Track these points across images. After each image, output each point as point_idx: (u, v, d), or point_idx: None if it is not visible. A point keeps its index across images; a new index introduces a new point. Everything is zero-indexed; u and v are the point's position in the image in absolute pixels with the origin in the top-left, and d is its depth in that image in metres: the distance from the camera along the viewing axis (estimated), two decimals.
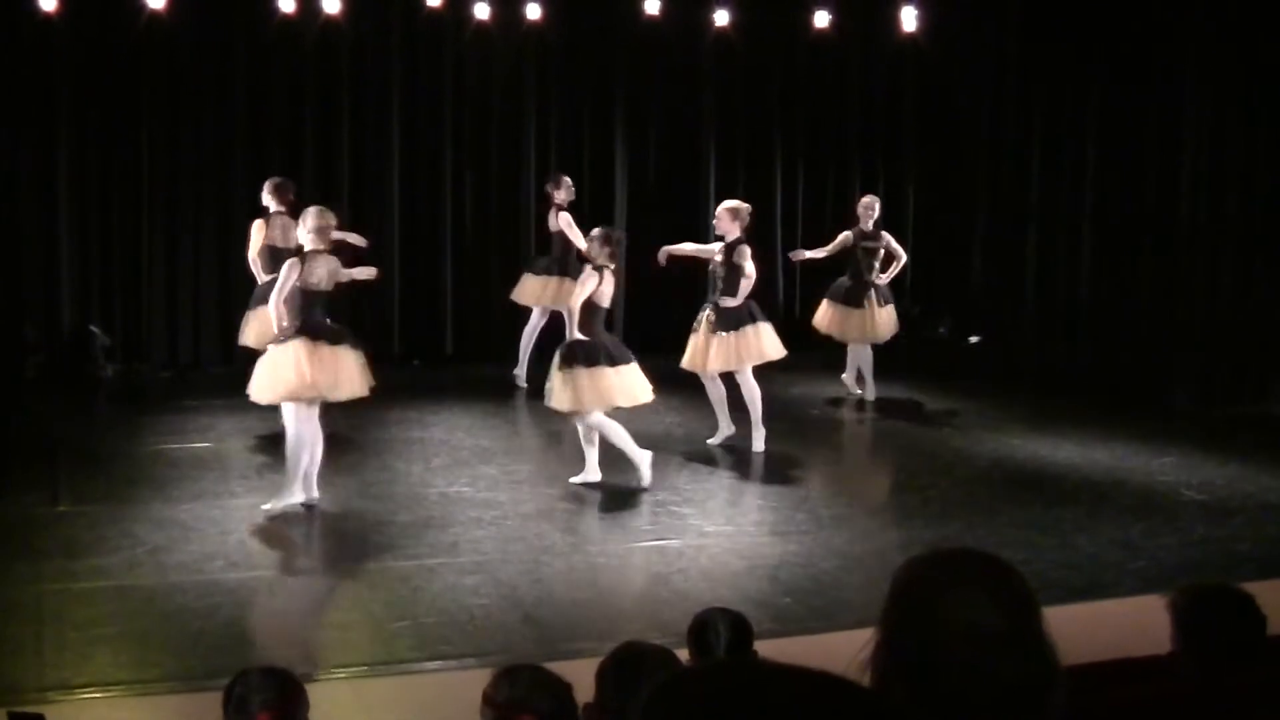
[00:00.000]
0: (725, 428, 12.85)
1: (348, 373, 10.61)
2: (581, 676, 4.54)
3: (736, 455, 12.66)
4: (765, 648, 5.60)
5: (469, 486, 11.57)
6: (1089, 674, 4.60)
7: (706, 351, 12.49)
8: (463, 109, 16.81)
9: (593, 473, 11.51)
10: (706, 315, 12.54)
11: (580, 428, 11.53)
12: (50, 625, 8.42)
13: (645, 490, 11.23)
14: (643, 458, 11.37)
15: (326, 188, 16.33)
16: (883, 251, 14.39)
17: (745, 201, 12.84)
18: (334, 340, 10.56)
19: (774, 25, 17.44)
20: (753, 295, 12.63)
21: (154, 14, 15.18)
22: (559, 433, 13.33)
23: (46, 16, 14.88)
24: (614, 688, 4.22)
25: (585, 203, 17.29)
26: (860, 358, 14.55)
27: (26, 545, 9.85)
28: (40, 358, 15.33)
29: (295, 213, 12.51)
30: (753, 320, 12.59)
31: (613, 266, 11.33)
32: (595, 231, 11.54)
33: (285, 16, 15.59)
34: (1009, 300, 17.12)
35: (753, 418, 12.66)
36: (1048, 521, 10.66)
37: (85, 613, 8.61)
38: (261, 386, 10.62)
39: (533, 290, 15.06)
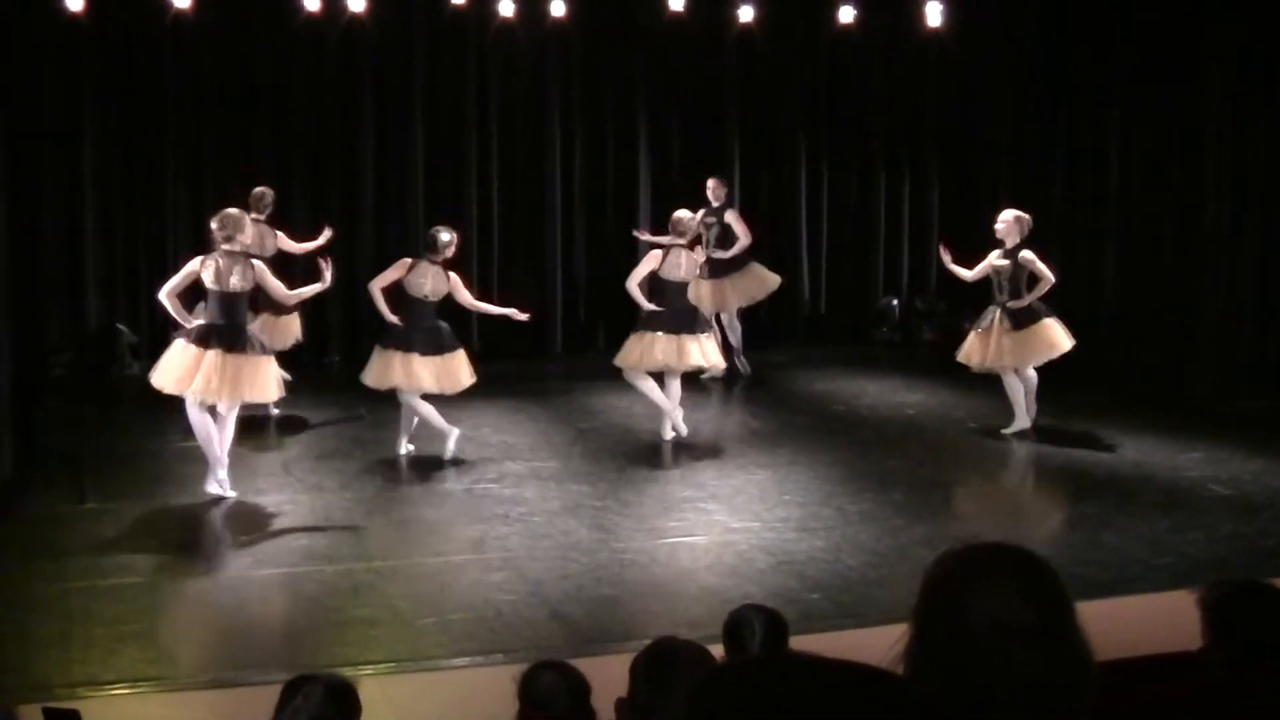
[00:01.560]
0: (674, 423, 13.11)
1: (248, 379, 10.89)
2: (609, 673, 4.54)
3: (761, 451, 12.66)
4: (794, 645, 5.59)
5: (495, 483, 11.60)
6: (1117, 670, 4.58)
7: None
8: (487, 106, 16.83)
9: (447, 439, 12.19)
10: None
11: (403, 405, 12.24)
12: (78, 622, 8.45)
13: (455, 462, 12.01)
14: (450, 432, 12.12)
15: (351, 185, 16.39)
16: (1027, 274, 13.06)
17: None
18: (235, 348, 10.82)
19: (797, 22, 17.43)
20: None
21: (179, 13, 15.22)
22: (585, 430, 13.36)
23: (73, 16, 14.93)
24: (647, 683, 4.21)
25: (609, 200, 17.33)
26: (1011, 386, 13.23)
27: (53, 543, 9.89)
28: (66, 356, 15.39)
29: (272, 221, 13.67)
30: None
31: (434, 258, 12.07)
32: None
33: (310, 15, 15.62)
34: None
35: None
36: (1074, 517, 10.64)
37: (112, 609, 8.64)
38: (160, 374, 10.92)
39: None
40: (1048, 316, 13.11)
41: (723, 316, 15.49)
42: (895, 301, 18.20)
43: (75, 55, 15.31)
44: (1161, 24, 15.66)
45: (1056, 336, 13.12)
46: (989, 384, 13.52)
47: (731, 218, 15.26)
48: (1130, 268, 16.31)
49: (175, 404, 11.17)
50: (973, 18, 17.35)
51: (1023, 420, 13.17)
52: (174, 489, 11.20)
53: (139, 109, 15.70)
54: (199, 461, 11.90)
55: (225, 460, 11.03)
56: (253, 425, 12.43)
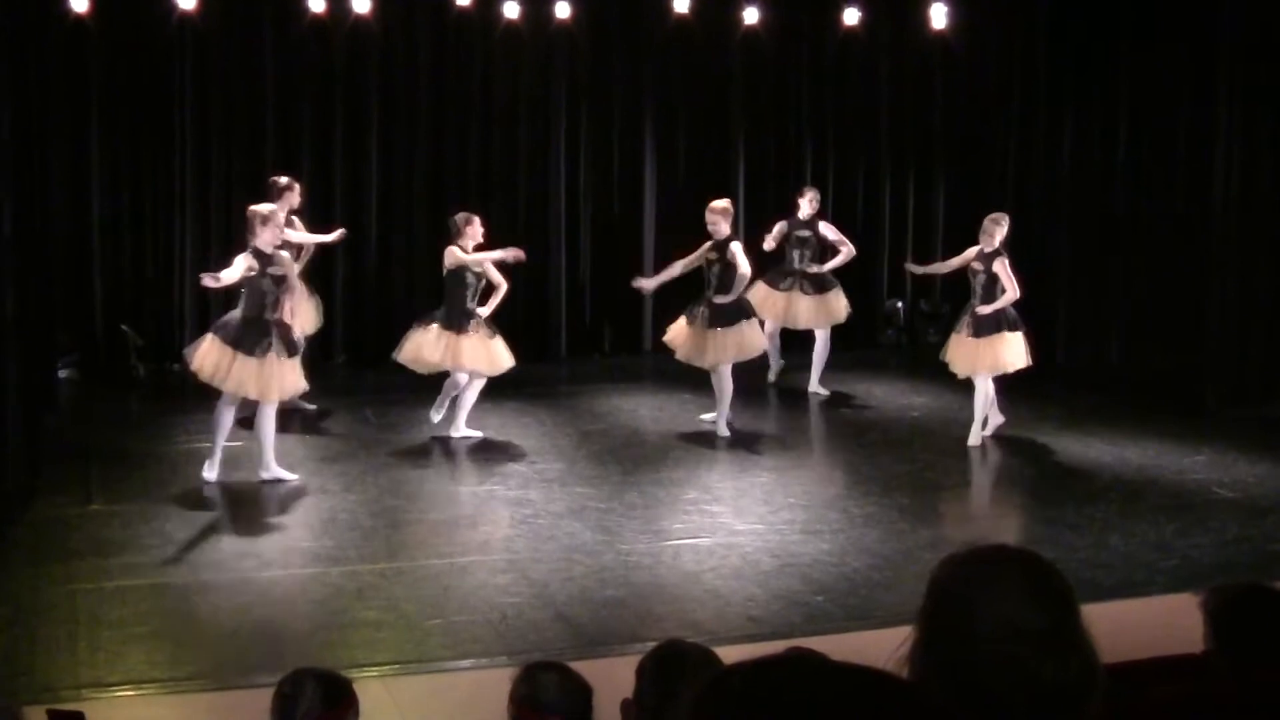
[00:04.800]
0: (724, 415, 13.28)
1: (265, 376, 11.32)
2: (613, 675, 4.54)
3: (766, 454, 12.66)
4: (799, 646, 5.58)
5: (500, 485, 11.61)
6: (1123, 673, 4.58)
7: (704, 345, 13.12)
8: (492, 108, 16.82)
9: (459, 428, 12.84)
10: (700, 311, 13.22)
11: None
12: (84, 624, 8.47)
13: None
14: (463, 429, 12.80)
15: (355, 187, 16.38)
16: (984, 278, 12.71)
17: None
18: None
19: (802, 24, 17.43)
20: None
21: (185, 15, 15.24)
22: (590, 432, 13.36)
23: (78, 18, 14.95)
24: (654, 684, 4.21)
25: (614, 203, 17.32)
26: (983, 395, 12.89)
27: (60, 544, 9.91)
28: (73, 358, 15.41)
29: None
30: (747, 316, 13.24)
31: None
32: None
33: (315, 17, 15.63)
34: (1040, 298, 17.05)
35: (720, 409, 13.19)
36: (1079, 520, 10.63)
37: (119, 611, 8.66)
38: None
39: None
40: (1011, 330, 12.77)
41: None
42: (900, 304, 18.19)
43: (81, 58, 15.32)
44: (1169, 26, 15.65)
45: (1007, 355, 12.77)
46: (996, 386, 13.49)
47: (826, 229, 14.86)
48: (1138, 272, 16.28)
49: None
50: (978, 20, 17.33)
51: (975, 432, 12.90)
52: (180, 490, 11.20)
53: (145, 111, 15.70)
54: (205, 463, 11.95)
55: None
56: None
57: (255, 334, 11.12)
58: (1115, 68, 16.32)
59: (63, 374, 15.08)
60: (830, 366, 15.06)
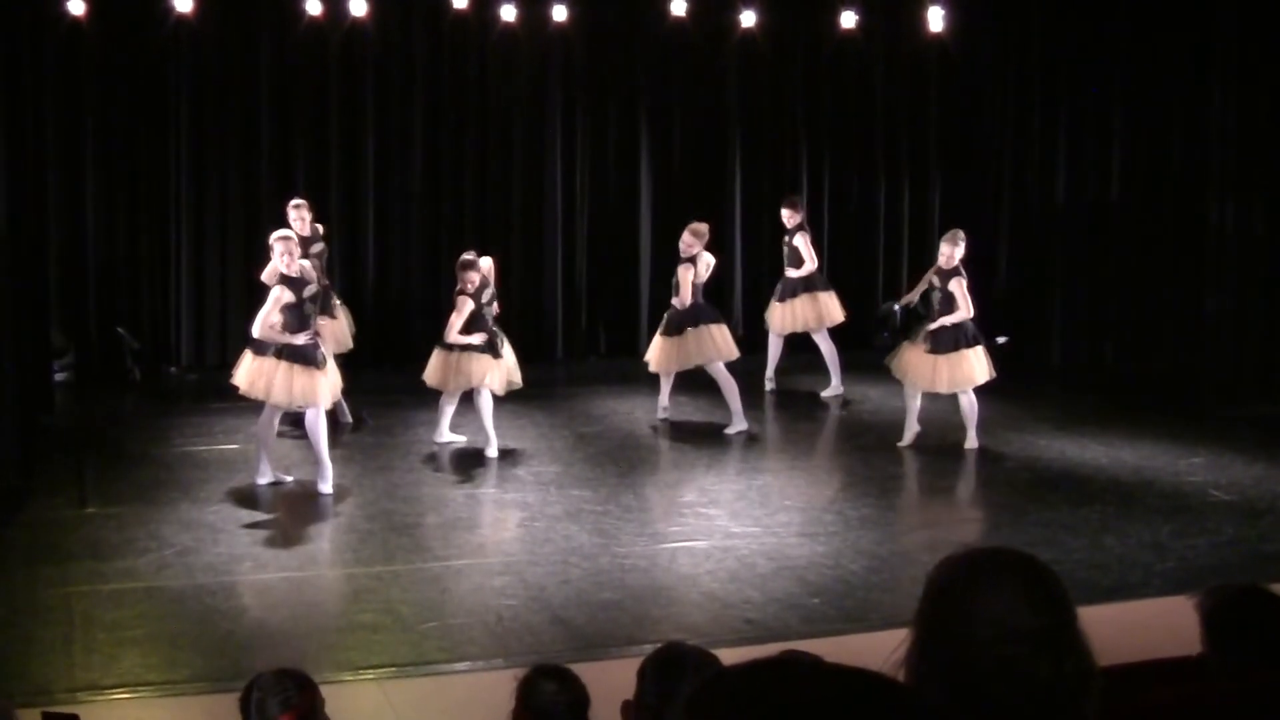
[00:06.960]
0: (739, 422, 13.28)
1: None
2: (610, 677, 4.54)
3: (762, 457, 12.66)
4: (795, 649, 5.58)
5: (496, 487, 11.61)
6: (1117, 675, 4.58)
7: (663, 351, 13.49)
8: (488, 111, 16.81)
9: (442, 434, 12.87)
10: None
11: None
12: (80, 627, 8.46)
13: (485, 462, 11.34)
14: (491, 439, 12.47)
15: (351, 189, 16.37)
16: (940, 295, 12.70)
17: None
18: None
19: (799, 27, 17.42)
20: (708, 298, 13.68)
21: (181, 18, 15.23)
22: (586, 435, 13.36)
23: (75, 20, 14.95)
24: (655, 686, 4.22)
25: (610, 206, 17.31)
26: (909, 397, 12.94)
27: (55, 547, 9.90)
28: (69, 360, 15.39)
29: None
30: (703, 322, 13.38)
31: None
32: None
33: (311, 20, 15.62)
34: (1035, 301, 17.08)
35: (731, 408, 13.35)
36: (1075, 522, 10.63)
37: (114, 614, 8.65)
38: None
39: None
40: (969, 346, 12.61)
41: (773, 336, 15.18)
42: (896, 307, 18.18)
43: (77, 60, 15.30)
44: (1163, 27, 15.67)
45: (966, 372, 12.63)
46: (989, 391, 13.46)
47: (800, 241, 14.92)
48: (1134, 273, 16.30)
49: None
50: (974, 23, 17.34)
51: (971, 436, 12.83)
52: (176, 493, 11.19)
53: (140, 114, 15.70)
54: (200, 466, 12.01)
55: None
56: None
57: (311, 347, 11.09)
58: (1110, 70, 16.33)
59: (59, 377, 15.06)
60: (825, 368, 15.07)
